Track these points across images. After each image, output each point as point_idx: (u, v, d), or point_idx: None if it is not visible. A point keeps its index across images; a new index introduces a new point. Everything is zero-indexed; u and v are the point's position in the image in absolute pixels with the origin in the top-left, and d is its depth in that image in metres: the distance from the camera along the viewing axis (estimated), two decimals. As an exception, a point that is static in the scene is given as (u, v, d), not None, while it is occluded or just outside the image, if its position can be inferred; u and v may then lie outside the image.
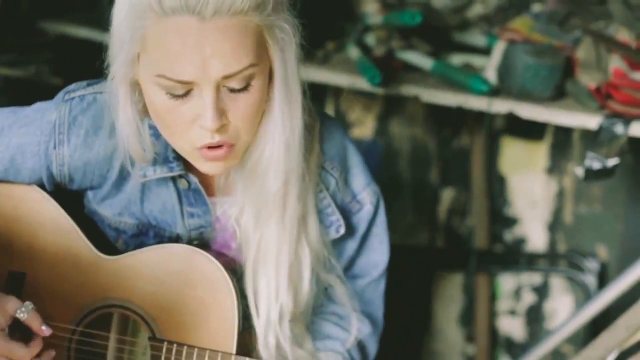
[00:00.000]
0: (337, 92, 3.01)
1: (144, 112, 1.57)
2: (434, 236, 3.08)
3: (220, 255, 1.69)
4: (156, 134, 1.61)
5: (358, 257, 1.81)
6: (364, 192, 1.76)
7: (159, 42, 1.45)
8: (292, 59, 1.54)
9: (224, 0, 1.42)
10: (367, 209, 1.77)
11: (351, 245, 1.78)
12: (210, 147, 1.51)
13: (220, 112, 1.47)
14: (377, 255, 1.82)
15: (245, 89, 1.48)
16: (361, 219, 1.77)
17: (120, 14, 1.50)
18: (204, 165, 1.55)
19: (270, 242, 1.64)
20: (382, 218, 1.80)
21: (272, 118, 1.56)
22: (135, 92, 1.55)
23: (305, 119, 1.59)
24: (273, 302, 1.66)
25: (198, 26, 1.42)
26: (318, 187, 1.69)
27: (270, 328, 1.67)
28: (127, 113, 1.56)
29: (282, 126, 1.55)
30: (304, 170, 1.63)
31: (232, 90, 1.48)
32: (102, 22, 2.82)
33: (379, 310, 1.87)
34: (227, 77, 1.45)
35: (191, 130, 1.50)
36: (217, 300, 1.64)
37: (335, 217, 1.72)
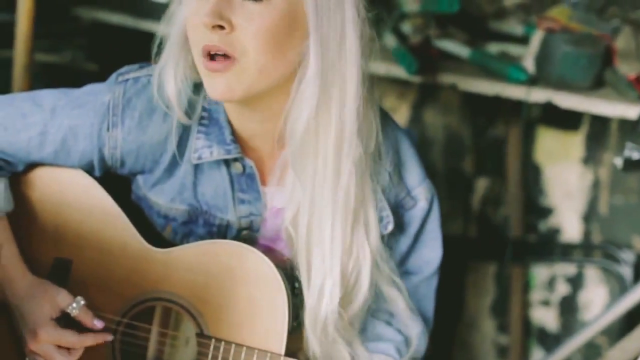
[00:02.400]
0: (370, 79, 2.99)
1: (194, 71, 1.58)
2: (467, 226, 3.06)
3: (270, 252, 1.68)
4: (208, 108, 1.63)
5: (411, 254, 1.78)
6: (419, 188, 1.73)
7: None
8: (332, 19, 1.51)
9: None
10: (422, 205, 1.74)
11: (404, 242, 1.76)
12: (210, 57, 1.50)
13: (219, 12, 1.47)
14: (430, 252, 1.79)
15: (258, 0, 1.47)
16: (415, 215, 1.74)
17: None
18: (209, 85, 1.53)
19: (324, 212, 1.60)
20: (436, 215, 1.77)
21: (306, 75, 1.53)
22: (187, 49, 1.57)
23: (362, 97, 1.57)
24: (328, 275, 1.62)
25: None
26: (370, 178, 1.67)
27: (323, 301, 1.62)
28: (173, 53, 1.59)
29: (316, 88, 1.52)
30: (361, 153, 1.59)
31: None
32: (136, 8, 2.84)
33: (430, 308, 1.84)
34: None
35: (198, 30, 1.50)
36: (267, 298, 1.62)
37: (386, 213, 1.69)
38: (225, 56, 1.49)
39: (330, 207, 1.59)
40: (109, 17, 2.88)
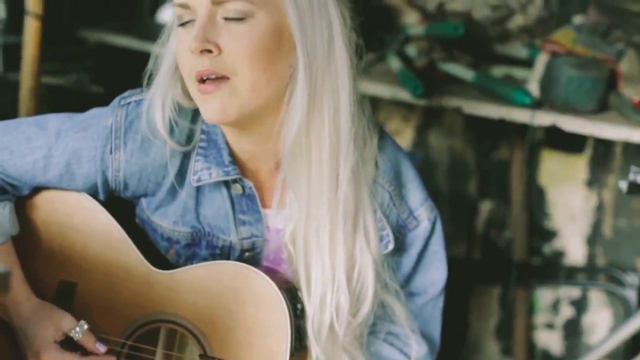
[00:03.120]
0: (375, 103, 3.00)
1: (188, 97, 1.60)
2: (471, 248, 3.06)
3: (272, 272, 1.68)
4: (206, 130, 1.64)
5: (415, 275, 1.78)
6: (421, 209, 1.73)
7: None
8: (318, 31, 1.54)
9: None
10: (425, 225, 1.74)
11: (408, 263, 1.76)
12: (203, 81, 1.52)
13: (205, 36, 1.49)
14: (435, 273, 1.79)
15: (241, 19, 1.50)
16: (418, 235, 1.74)
17: None
18: (203, 108, 1.55)
19: (321, 225, 1.62)
20: (439, 235, 1.77)
21: (295, 87, 1.55)
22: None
23: (356, 103, 1.59)
24: (329, 284, 1.63)
25: None
26: (369, 201, 1.67)
27: (326, 311, 1.64)
28: (163, 82, 1.61)
29: (303, 95, 1.54)
30: (357, 160, 1.61)
31: (228, 19, 1.50)
32: (141, 30, 2.85)
33: (436, 329, 1.83)
34: (216, 3, 1.49)
35: (188, 58, 1.52)
36: (270, 319, 1.62)
37: (386, 232, 1.70)
38: (217, 78, 1.52)
39: (329, 216, 1.61)
40: (114, 40, 2.90)
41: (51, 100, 2.70)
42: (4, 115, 2.49)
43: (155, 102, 1.61)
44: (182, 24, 1.53)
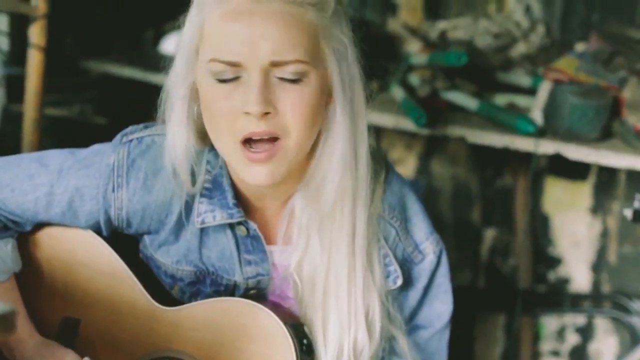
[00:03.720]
0: (377, 131, 3.00)
1: (200, 139, 1.58)
2: (476, 276, 3.05)
3: (278, 308, 1.67)
4: (212, 164, 1.62)
5: (421, 308, 1.77)
6: (427, 242, 1.73)
7: (215, 26, 1.48)
8: (351, 76, 1.54)
9: None
10: (430, 259, 1.73)
11: (414, 296, 1.75)
12: (252, 149, 1.49)
13: (266, 98, 1.46)
14: (441, 306, 1.78)
15: (296, 81, 1.48)
16: (424, 269, 1.74)
17: (188, 19, 1.54)
18: (247, 172, 1.52)
19: (340, 272, 1.61)
20: (445, 267, 1.76)
21: (333, 137, 1.55)
22: (194, 108, 1.56)
23: (370, 146, 1.60)
24: (346, 333, 1.62)
25: (252, 7, 1.45)
26: (376, 237, 1.67)
27: (344, 352, 1.63)
28: (180, 124, 1.57)
29: (343, 147, 1.54)
30: (370, 201, 1.62)
31: (282, 80, 1.47)
32: (144, 60, 2.86)
33: None
34: (275, 65, 1.46)
35: (237, 119, 1.48)
36: (276, 355, 1.60)
37: (393, 268, 1.69)
38: (269, 140, 1.49)
39: (347, 261, 1.61)
40: (118, 70, 2.90)
41: (54, 132, 2.70)
42: (7, 146, 2.51)
43: (179, 149, 1.57)
44: (223, 80, 1.48)
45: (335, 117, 1.54)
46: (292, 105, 1.48)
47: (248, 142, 1.49)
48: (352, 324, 1.63)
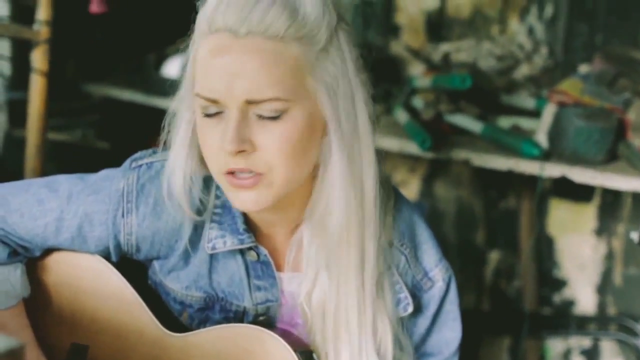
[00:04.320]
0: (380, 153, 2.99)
1: (203, 164, 1.56)
2: (480, 299, 3.04)
3: (287, 335, 1.65)
4: (220, 195, 1.60)
5: (430, 335, 1.75)
6: (436, 269, 1.72)
7: (201, 59, 1.47)
8: (347, 110, 1.50)
9: (261, 22, 1.42)
10: (439, 286, 1.72)
11: (423, 323, 1.74)
12: (235, 175, 1.47)
13: (241, 136, 1.43)
14: (449, 333, 1.76)
15: (275, 118, 1.45)
16: (433, 296, 1.72)
17: (190, 46, 1.53)
18: (235, 198, 1.50)
19: (350, 304, 1.59)
20: (454, 294, 1.75)
21: (331, 170, 1.51)
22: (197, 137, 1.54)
23: (379, 182, 1.56)
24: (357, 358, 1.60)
25: (231, 42, 1.43)
26: (386, 264, 1.66)
27: None
28: (182, 148, 1.56)
29: (342, 179, 1.51)
30: (380, 231, 1.59)
31: (261, 117, 1.45)
32: (146, 84, 2.85)
33: None
34: (250, 103, 1.43)
35: (220, 152, 1.47)
36: None
37: (404, 295, 1.67)
38: (251, 171, 1.47)
39: (356, 292, 1.59)
40: (120, 94, 2.90)
41: (57, 157, 2.70)
42: (9, 172, 2.50)
43: (177, 175, 1.56)
44: (208, 115, 1.47)
45: (331, 151, 1.50)
46: (272, 143, 1.45)
47: (232, 172, 1.48)
48: (364, 354, 1.61)
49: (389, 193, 1.67)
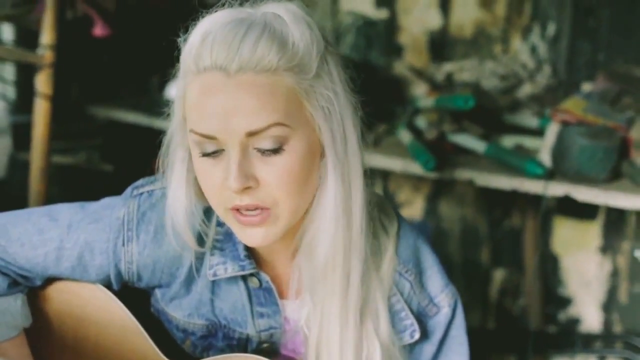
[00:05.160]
0: (385, 174, 3.00)
1: (202, 195, 1.54)
2: (486, 317, 3.04)
3: (288, 363, 1.66)
4: (222, 222, 1.59)
5: (437, 361, 1.76)
6: (442, 295, 1.71)
7: (192, 98, 1.44)
8: (341, 133, 1.49)
9: (251, 57, 1.40)
10: (445, 312, 1.71)
11: (429, 350, 1.73)
12: (241, 212, 1.46)
13: (245, 173, 1.42)
14: (457, 357, 1.75)
15: (277, 151, 1.43)
16: (439, 322, 1.71)
17: (176, 84, 1.51)
18: (243, 235, 1.49)
19: (332, 329, 1.57)
20: (460, 320, 1.74)
21: (325, 195, 1.50)
22: (193, 168, 1.52)
23: (366, 199, 1.54)
24: None
25: (224, 81, 1.40)
26: (392, 291, 1.65)
27: None
28: (179, 187, 1.54)
29: (335, 204, 1.50)
30: (367, 256, 1.57)
31: (263, 152, 1.43)
32: (150, 106, 2.86)
33: None
34: (251, 135, 1.41)
35: (223, 191, 1.45)
36: None
37: (410, 322, 1.67)
38: (256, 208, 1.46)
39: (339, 317, 1.57)
40: (123, 116, 2.90)
41: (62, 180, 2.70)
42: (13, 195, 2.50)
43: (178, 214, 1.55)
44: (206, 154, 1.45)
45: (327, 172, 1.49)
46: (276, 176, 1.44)
47: (238, 208, 1.47)
48: None
49: (391, 220, 1.67)
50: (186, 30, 1.49)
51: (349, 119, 1.51)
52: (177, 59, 1.51)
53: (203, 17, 1.48)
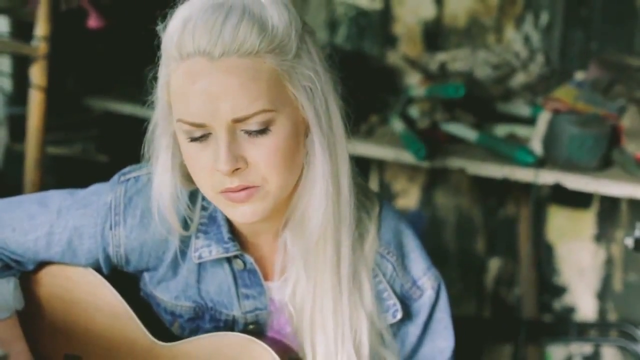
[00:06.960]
0: (380, 164, 3.01)
1: (188, 181, 1.57)
2: (481, 307, 3.05)
3: (276, 343, 1.67)
4: (207, 206, 1.62)
5: (422, 344, 1.75)
6: (424, 278, 1.72)
7: (177, 86, 1.45)
8: (324, 110, 1.52)
9: (233, 41, 1.42)
10: (429, 294, 1.73)
11: (414, 332, 1.74)
12: (231, 191, 1.48)
13: (234, 155, 1.44)
14: (442, 341, 1.76)
15: (264, 132, 1.45)
16: (423, 305, 1.73)
17: (159, 73, 1.52)
18: (233, 212, 1.52)
19: (325, 302, 1.60)
20: (444, 302, 1.75)
21: (314, 170, 1.53)
22: (178, 155, 1.55)
23: (352, 171, 1.58)
24: (333, 357, 1.61)
25: (208, 66, 1.42)
26: (373, 272, 1.67)
27: None
28: (165, 173, 1.57)
29: (324, 178, 1.52)
30: (355, 230, 1.61)
31: (250, 134, 1.45)
32: (147, 97, 2.87)
33: None
34: (238, 121, 1.44)
35: (213, 174, 1.48)
36: None
37: (392, 302, 1.68)
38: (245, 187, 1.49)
39: (332, 292, 1.60)
40: (120, 108, 2.92)
41: (56, 171, 2.72)
42: (9, 186, 2.52)
43: (164, 199, 1.58)
44: (194, 139, 1.47)
45: (314, 149, 1.52)
46: (264, 156, 1.46)
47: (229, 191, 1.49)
48: (340, 350, 1.62)
49: (372, 202, 1.68)
50: (164, 18, 1.50)
51: (331, 95, 1.53)
52: (158, 47, 1.53)
53: (181, 3, 1.50)
